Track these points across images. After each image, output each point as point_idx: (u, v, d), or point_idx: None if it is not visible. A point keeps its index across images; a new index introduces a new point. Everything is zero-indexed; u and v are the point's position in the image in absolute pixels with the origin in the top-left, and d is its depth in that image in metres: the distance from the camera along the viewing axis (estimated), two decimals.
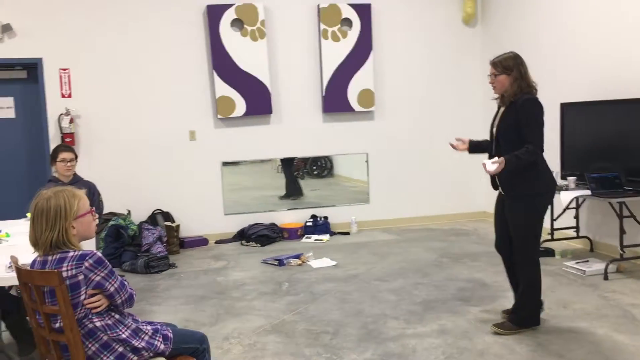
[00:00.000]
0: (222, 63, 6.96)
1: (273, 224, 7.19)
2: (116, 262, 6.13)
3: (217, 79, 6.96)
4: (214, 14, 6.91)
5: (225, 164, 7.22)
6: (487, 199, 7.46)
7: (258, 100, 7.09)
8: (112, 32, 6.74)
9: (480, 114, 7.39)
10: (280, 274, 5.62)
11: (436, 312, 4.36)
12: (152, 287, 5.40)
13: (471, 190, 7.65)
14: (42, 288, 2.28)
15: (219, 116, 7.04)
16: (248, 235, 6.99)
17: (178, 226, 6.85)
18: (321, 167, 7.70)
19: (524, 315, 3.87)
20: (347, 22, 7.28)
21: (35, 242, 2.36)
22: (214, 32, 6.92)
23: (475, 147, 4.05)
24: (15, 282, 2.81)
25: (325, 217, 7.33)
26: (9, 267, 2.90)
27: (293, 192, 7.54)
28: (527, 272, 3.80)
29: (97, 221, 2.57)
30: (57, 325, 2.29)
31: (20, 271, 2.35)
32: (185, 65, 6.96)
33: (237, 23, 6.98)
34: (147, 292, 5.22)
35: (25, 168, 6.74)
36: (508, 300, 4.33)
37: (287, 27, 7.21)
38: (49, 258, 2.33)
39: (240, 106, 7.04)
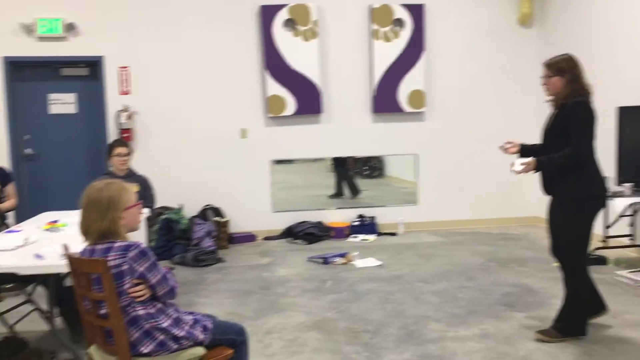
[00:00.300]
0: (274, 62, 7.07)
1: (320, 223, 7.24)
2: (167, 255, 6.33)
3: (268, 78, 7.08)
4: (267, 14, 7.02)
5: (276, 162, 7.33)
6: (539, 203, 7.25)
7: (308, 100, 7.16)
8: (169, 32, 6.95)
9: (533, 117, 7.21)
10: (325, 272, 5.66)
11: (479, 316, 4.31)
12: (200, 280, 5.55)
13: (523, 194, 7.47)
14: (89, 275, 2.40)
15: (270, 115, 7.16)
16: (295, 233, 7.08)
17: (227, 222, 7.01)
18: (372, 167, 7.73)
19: (569, 325, 3.77)
20: (399, 22, 7.25)
21: (85, 231, 2.48)
22: (267, 32, 7.03)
23: (527, 151, 3.95)
24: (66, 270, 2.96)
25: (372, 217, 7.34)
26: (62, 255, 3.05)
27: (350, 191, 7.61)
28: (571, 279, 3.71)
29: (142, 215, 2.68)
30: (103, 311, 2.40)
31: (70, 258, 2.48)
32: (238, 64, 7.11)
33: (290, 23, 7.07)
34: (195, 285, 5.37)
35: (85, 161, 7.03)
36: (555, 307, 4.23)
37: (339, 27, 7.25)
38: (97, 247, 2.45)
39: (290, 105, 7.13)
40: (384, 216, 7.45)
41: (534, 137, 4.19)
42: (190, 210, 6.95)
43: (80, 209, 2.51)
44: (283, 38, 7.06)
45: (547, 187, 3.79)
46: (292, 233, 7.14)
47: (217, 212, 7.08)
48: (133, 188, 4.74)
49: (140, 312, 2.43)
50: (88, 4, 6.77)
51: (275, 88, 7.09)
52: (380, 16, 7.21)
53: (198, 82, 7.05)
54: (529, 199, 7.45)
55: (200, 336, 2.54)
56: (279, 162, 7.36)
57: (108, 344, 2.42)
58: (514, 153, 3.98)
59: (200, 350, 2.53)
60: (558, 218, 3.76)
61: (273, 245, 6.94)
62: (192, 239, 6.47)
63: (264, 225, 7.26)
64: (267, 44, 7.05)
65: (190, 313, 2.66)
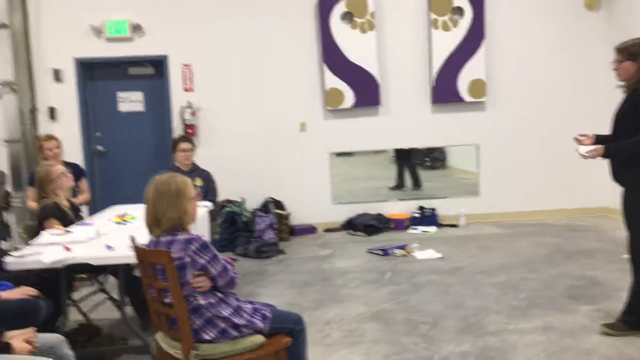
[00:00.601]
0: (332, 56, 7.12)
1: (380, 214, 7.25)
2: (230, 247, 6.52)
3: (326, 71, 7.13)
4: (324, 8, 7.06)
5: (335, 154, 7.39)
6: (611, 193, 7.00)
7: (367, 92, 7.17)
8: (229, 29, 7.11)
9: (604, 105, 6.90)
10: (384, 263, 5.68)
11: (541, 308, 4.22)
12: (262, 271, 5.68)
13: (593, 184, 7.18)
14: (155, 265, 2.53)
15: (328, 108, 7.21)
16: (355, 225, 7.12)
17: (288, 214, 7.13)
18: (434, 158, 7.67)
19: (636, 319, 3.65)
20: (459, 10, 7.13)
21: (154, 222, 2.60)
22: (324, 26, 7.08)
23: (601, 142, 3.79)
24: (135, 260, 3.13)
25: (433, 209, 7.28)
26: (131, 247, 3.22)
27: (412, 182, 7.60)
28: (637, 271, 3.59)
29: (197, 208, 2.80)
30: (167, 300, 2.53)
31: (137, 249, 2.62)
32: (296, 59, 7.19)
33: (347, 16, 7.09)
34: (257, 276, 5.51)
35: (152, 157, 7.31)
36: (622, 300, 4.09)
37: (397, 18, 7.20)
38: (162, 239, 2.58)
39: (349, 98, 7.16)
40: (444, 208, 7.37)
41: (604, 126, 4.04)
42: (253, 203, 7.11)
43: (148, 201, 2.62)
44: (340, 31, 7.09)
45: (617, 176, 3.66)
46: (352, 225, 7.19)
47: (278, 204, 7.21)
48: (197, 182, 4.91)
49: (202, 301, 2.54)
50: (153, 5, 7.02)
51: (334, 81, 7.14)
52: (438, 5, 7.11)
53: (258, 77, 7.19)
54: (600, 188, 7.13)
55: (260, 324, 2.63)
56: (338, 154, 7.42)
57: (173, 331, 2.55)
58: (588, 145, 3.82)
59: (259, 338, 2.62)
60: (626, 208, 3.64)
61: (333, 237, 7.01)
62: (255, 232, 6.63)
63: (324, 217, 7.34)
64: (324, 37, 7.10)
65: (250, 302, 2.75)
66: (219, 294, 2.60)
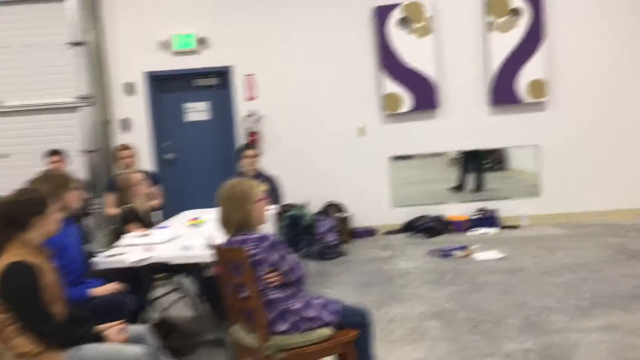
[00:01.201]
0: (389, 61, 7.25)
1: (439, 217, 7.32)
2: (293, 250, 6.73)
3: (384, 76, 7.27)
4: (381, 14, 7.22)
5: (394, 158, 7.51)
6: None
7: (424, 96, 7.27)
8: (290, 39, 7.37)
9: None
10: (445, 264, 5.76)
11: (605, 308, 4.22)
12: (325, 272, 5.87)
13: None
14: (231, 263, 2.75)
15: (387, 112, 7.35)
16: (415, 227, 7.22)
17: (349, 217, 7.30)
18: (493, 160, 7.69)
19: None
20: (516, 11, 7.13)
21: (224, 223, 2.84)
22: (381, 32, 7.23)
23: None
24: (209, 259, 3.37)
25: (493, 211, 7.29)
26: (207, 246, 3.46)
27: (476, 184, 7.65)
28: None
29: (268, 210, 3.00)
30: (243, 294, 2.74)
31: (215, 248, 2.85)
32: (354, 65, 7.37)
33: (404, 21, 7.21)
34: (320, 277, 5.70)
35: (218, 163, 7.63)
36: None
37: (453, 22, 7.27)
38: (235, 238, 2.80)
39: (406, 102, 7.28)
40: (505, 209, 7.36)
41: None
42: (314, 206, 7.31)
43: (219, 204, 2.86)
44: (397, 36, 7.22)
45: None
46: (411, 227, 7.29)
47: (339, 208, 7.39)
48: (262, 187, 5.17)
49: (275, 295, 2.75)
50: (217, 19, 7.36)
51: (391, 86, 7.27)
52: (495, 7, 7.14)
53: (317, 84, 7.40)
54: None
55: (328, 318, 2.81)
56: (397, 158, 7.54)
57: (249, 323, 2.76)
58: None
59: (328, 331, 2.80)
60: None
61: (393, 239, 7.13)
62: (316, 234, 6.83)
63: (384, 220, 7.47)
64: (381, 43, 7.25)
65: (319, 297, 2.94)
66: (291, 289, 2.80)
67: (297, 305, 2.77)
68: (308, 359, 2.82)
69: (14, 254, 2.60)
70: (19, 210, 2.66)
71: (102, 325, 2.79)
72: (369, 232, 7.38)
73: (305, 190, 7.32)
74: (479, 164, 7.68)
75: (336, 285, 5.38)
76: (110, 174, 7.12)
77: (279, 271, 2.76)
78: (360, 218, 7.46)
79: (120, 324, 2.80)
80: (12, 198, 2.70)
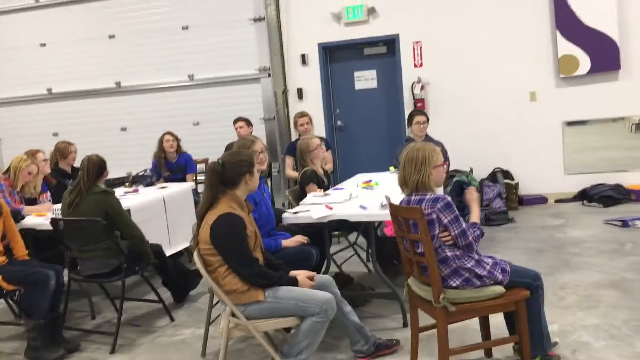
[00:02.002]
0: (566, 20, 6.90)
1: (619, 185, 6.91)
2: (460, 214, 6.79)
3: (559, 37, 6.95)
4: None
5: (568, 123, 7.19)
6: None
7: (604, 56, 6.84)
8: (456, 4, 7.31)
9: None
10: (624, 234, 5.50)
11: None
12: (492, 237, 5.89)
13: None
14: (407, 220, 2.97)
15: (561, 75, 7.03)
16: (590, 196, 6.90)
17: (517, 184, 7.17)
18: None
19: None
20: None
21: (403, 183, 3.06)
22: None
23: None
24: (385, 218, 3.63)
25: None
26: (383, 205, 3.73)
27: None
28: None
29: (445, 175, 3.17)
30: (419, 250, 2.96)
31: (392, 207, 3.09)
32: (526, 27, 7.12)
33: None
34: (487, 242, 5.72)
35: (384, 130, 7.89)
36: None
37: None
38: (412, 198, 3.02)
39: (584, 64, 6.91)
40: None
41: None
42: (480, 173, 7.28)
43: (400, 164, 3.08)
44: None
45: None
46: (586, 196, 6.98)
47: (506, 174, 7.28)
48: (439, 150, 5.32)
49: (449, 253, 2.93)
50: None
51: (567, 47, 6.93)
52: None
53: (485, 48, 7.28)
54: None
55: (499, 276, 2.93)
56: (571, 123, 7.20)
57: (424, 277, 2.98)
58: None
59: (499, 289, 2.93)
60: None
61: (565, 207, 6.89)
62: (483, 200, 6.82)
63: (555, 187, 7.22)
64: (558, 2, 6.91)
65: (491, 257, 3.06)
66: (463, 249, 2.96)
67: (469, 263, 2.93)
68: (479, 313, 2.98)
69: (224, 207, 3.06)
70: (233, 170, 3.11)
71: (294, 272, 3.19)
72: (539, 200, 7.20)
73: (472, 156, 7.31)
74: None
75: (504, 250, 5.40)
76: (287, 140, 7.71)
77: (450, 233, 2.92)
78: (529, 185, 7.30)
79: (309, 272, 3.18)
80: (227, 159, 3.16)
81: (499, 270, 2.96)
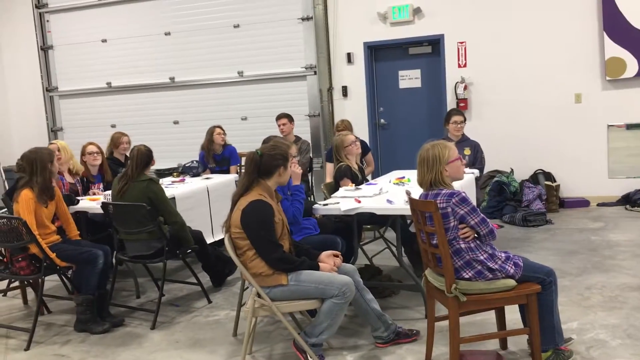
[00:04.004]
0: (614, 22, 6.82)
1: None
2: (497, 214, 6.86)
3: (607, 39, 6.87)
4: None
5: (615, 126, 7.11)
6: None
7: None
8: (501, 5, 7.33)
9: None
10: None
11: None
12: (527, 237, 5.93)
13: None
14: (424, 213, 3.12)
15: (608, 78, 6.96)
16: (633, 200, 6.81)
17: (558, 186, 7.14)
18: None
19: None
20: None
21: (420, 181, 3.22)
22: None
23: None
24: (409, 212, 3.78)
25: None
26: (406, 200, 3.87)
27: None
28: None
29: (465, 168, 3.30)
30: (434, 242, 3.11)
31: (412, 201, 3.25)
32: (572, 28, 7.07)
33: None
34: (521, 242, 5.79)
35: (427, 128, 7.96)
36: None
37: None
38: (429, 193, 3.17)
39: (631, 66, 6.81)
40: None
41: None
42: (521, 174, 7.29)
43: (417, 164, 3.24)
44: None
45: None
46: (630, 200, 6.89)
47: (548, 176, 7.26)
48: (466, 151, 5.43)
49: (462, 245, 3.06)
50: None
51: (615, 49, 6.85)
52: None
53: (530, 50, 7.27)
54: None
55: (511, 270, 3.05)
56: (618, 126, 7.11)
57: (438, 267, 3.12)
58: None
59: (511, 282, 3.04)
60: None
61: (607, 211, 6.82)
62: (522, 201, 6.85)
63: (598, 191, 7.15)
64: (606, 4, 6.84)
65: (505, 252, 3.17)
66: (477, 241, 3.09)
67: (482, 256, 3.05)
68: (490, 304, 3.11)
69: (256, 194, 3.29)
70: (269, 161, 3.35)
71: (320, 253, 3.40)
72: (580, 203, 7.15)
73: (513, 157, 7.34)
74: None
75: (537, 250, 5.43)
76: (331, 136, 7.91)
77: (467, 224, 3.06)
78: (572, 188, 7.26)
79: (334, 252, 3.40)
80: (266, 150, 3.39)
81: (511, 264, 3.07)
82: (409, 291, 4.44)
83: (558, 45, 7.15)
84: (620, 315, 3.79)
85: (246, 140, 7.83)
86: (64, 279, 4.66)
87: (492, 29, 7.41)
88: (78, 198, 5.06)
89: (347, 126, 6.55)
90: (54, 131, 9.59)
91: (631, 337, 3.46)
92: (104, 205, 4.50)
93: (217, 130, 6.79)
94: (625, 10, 6.75)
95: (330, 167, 6.35)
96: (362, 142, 6.37)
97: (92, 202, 4.99)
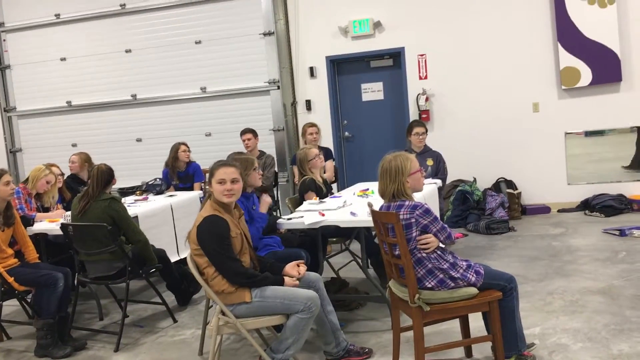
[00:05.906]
0: (567, 33, 7.03)
1: (621, 195, 6.98)
2: (462, 223, 6.94)
3: (561, 49, 7.07)
4: None
5: (571, 134, 7.29)
6: None
7: (605, 69, 6.94)
8: (460, 16, 7.48)
9: None
10: (620, 243, 5.58)
11: None
12: (491, 245, 6.02)
13: None
14: (386, 225, 3.14)
15: (563, 87, 7.15)
16: (592, 206, 6.98)
17: (520, 194, 7.28)
18: None
19: None
20: None
21: (382, 193, 3.25)
22: (560, 4, 7.01)
23: None
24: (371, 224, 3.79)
25: None
26: (369, 212, 3.90)
27: None
28: None
29: (424, 180, 3.35)
30: (397, 253, 3.13)
31: (373, 212, 3.27)
32: (527, 40, 7.26)
33: None
34: (485, 250, 5.87)
35: (391, 140, 8.04)
36: None
37: None
38: (392, 204, 3.19)
39: (585, 76, 7.01)
40: None
41: None
42: (484, 182, 7.41)
43: (378, 176, 3.27)
44: (577, 8, 6.96)
45: None
46: (588, 205, 7.05)
47: (510, 184, 7.39)
48: (429, 162, 5.49)
49: (424, 254, 3.09)
50: (391, 3, 7.71)
51: (569, 59, 7.05)
52: None
53: (489, 60, 7.43)
54: None
55: (473, 278, 3.09)
56: (574, 134, 7.29)
57: (401, 278, 3.14)
58: None
59: (473, 290, 3.08)
60: None
61: (567, 217, 6.98)
62: (486, 209, 6.95)
63: (558, 197, 7.31)
64: (559, 15, 7.04)
65: (466, 260, 3.21)
66: (438, 250, 3.12)
67: (444, 265, 3.09)
68: (453, 313, 3.14)
69: (210, 210, 3.27)
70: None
71: (284, 265, 3.38)
72: (541, 209, 7.29)
73: (475, 166, 7.45)
74: None
75: (501, 257, 5.51)
76: (296, 149, 7.91)
77: (430, 232, 3.10)
78: (532, 195, 7.40)
79: (298, 261, 3.40)
80: (212, 167, 3.38)
81: (473, 273, 3.11)
82: (376, 302, 4.45)
83: (515, 56, 7.33)
84: (581, 319, 3.86)
85: (211, 156, 7.62)
86: (24, 303, 4.53)
87: (451, 42, 7.55)
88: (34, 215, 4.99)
89: (317, 130, 6.60)
90: (12, 152, 9.38)
91: (592, 340, 3.53)
92: (63, 227, 4.41)
93: (182, 147, 6.74)
94: (577, 21, 6.97)
95: (296, 171, 6.38)
96: (326, 150, 6.42)
97: (51, 224, 4.89)
